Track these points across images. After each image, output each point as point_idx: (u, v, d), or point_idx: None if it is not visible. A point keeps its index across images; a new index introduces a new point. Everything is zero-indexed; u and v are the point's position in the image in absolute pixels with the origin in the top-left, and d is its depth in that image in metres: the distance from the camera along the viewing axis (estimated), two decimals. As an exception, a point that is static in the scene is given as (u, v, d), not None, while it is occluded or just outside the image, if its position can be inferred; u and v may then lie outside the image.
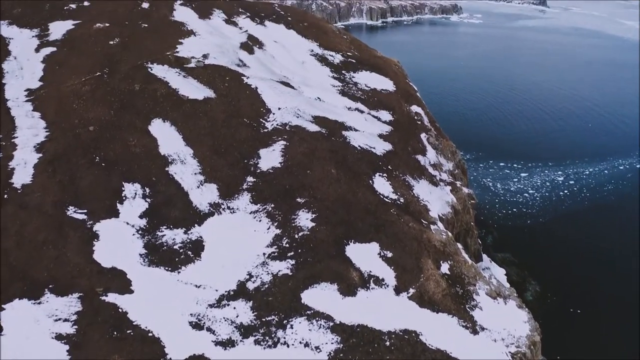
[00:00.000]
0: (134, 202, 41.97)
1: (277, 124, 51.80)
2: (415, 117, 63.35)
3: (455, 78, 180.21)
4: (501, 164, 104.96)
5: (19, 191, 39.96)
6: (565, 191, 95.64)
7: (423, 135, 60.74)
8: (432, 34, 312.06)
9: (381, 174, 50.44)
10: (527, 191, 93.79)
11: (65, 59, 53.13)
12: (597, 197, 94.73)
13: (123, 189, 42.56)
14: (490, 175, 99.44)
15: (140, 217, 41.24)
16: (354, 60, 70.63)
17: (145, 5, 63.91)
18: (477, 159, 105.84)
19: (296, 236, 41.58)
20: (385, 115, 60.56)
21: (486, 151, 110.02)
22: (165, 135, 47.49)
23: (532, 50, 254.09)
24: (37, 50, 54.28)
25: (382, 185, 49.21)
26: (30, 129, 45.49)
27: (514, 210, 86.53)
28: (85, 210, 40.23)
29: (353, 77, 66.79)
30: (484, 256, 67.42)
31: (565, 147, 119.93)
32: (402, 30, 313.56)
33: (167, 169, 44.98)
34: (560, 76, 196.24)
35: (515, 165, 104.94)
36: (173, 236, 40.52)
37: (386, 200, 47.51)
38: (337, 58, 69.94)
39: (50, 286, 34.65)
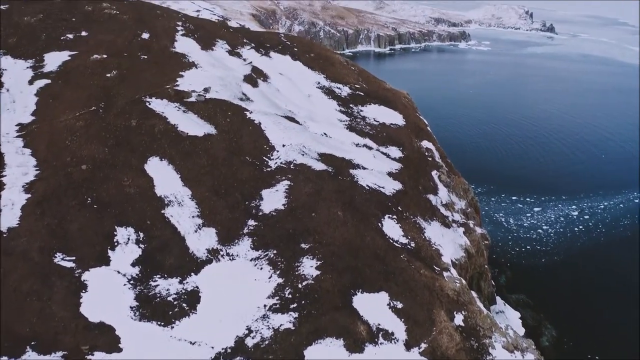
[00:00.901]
0: (126, 248, 39.26)
1: (281, 162, 49.24)
2: (426, 153, 60.70)
3: (465, 107, 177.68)
4: (513, 197, 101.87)
5: (4, 235, 37.36)
6: (580, 227, 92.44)
7: (434, 173, 58.05)
8: (441, 61, 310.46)
9: (391, 215, 47.75)
10: (541, 227, 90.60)
11: (59, 92, 50.75)
12: (613, 233, 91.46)
13: (115, 233, 39.89)
14: (502, 209, 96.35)
15: (133, 264, 38.50)
16: (362, 93, 68.24)
17: (145, 35, 61.62)
18: (488, 192, 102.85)
19: (300, 286, 38.81)
20: (395, 152, 57.96)
21: (498, 184, 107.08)
22: (162, 175, 44.88)
23: (542, 77, 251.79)
24: (30, 82, 51.94)
25: (391, 228, 46.52)
26: (19, 167, 43.00)
27: (528, 247, 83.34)
28: (74, 257, 37.57)
29: (361, 110, 64.31)
30: (498, 298, 64.47)
31: (578, 179, 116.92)
32: (411, 58, 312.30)
33: (163, 211, 42.30)
34: (570, 104, 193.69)
35: (528, 199, 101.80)
36: (167, 286, 37.74)
37: (396, 244, 44.79)
38: (345, 91, 67.54)
39: (32, 343, 31.95)
